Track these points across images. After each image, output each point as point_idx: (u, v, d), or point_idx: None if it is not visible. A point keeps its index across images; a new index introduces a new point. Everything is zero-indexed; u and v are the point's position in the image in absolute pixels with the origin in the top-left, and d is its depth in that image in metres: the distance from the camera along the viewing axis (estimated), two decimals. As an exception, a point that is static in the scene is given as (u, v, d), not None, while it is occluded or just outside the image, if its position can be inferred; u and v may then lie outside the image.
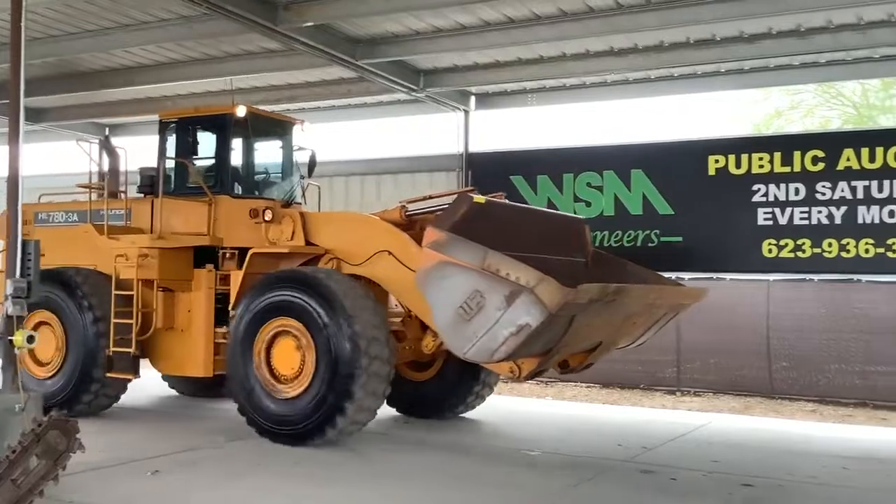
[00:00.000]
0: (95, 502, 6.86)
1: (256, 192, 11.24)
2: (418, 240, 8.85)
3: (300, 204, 11.54)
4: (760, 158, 13.38)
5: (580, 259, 10.17)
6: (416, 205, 10.04)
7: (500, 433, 10.61)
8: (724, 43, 12.69)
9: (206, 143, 11.06)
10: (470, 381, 10.87)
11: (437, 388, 10.92)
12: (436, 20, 12.35)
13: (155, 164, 11.25)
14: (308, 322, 9.05)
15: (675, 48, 13.00)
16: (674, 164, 13.97)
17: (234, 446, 9.23)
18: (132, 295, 10.36)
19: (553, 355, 8.35)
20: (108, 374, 10.44)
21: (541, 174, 14.94)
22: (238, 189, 10.99)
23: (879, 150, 12.72)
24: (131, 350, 10.33)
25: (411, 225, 9.81)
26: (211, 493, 7.31)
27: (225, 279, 10.41)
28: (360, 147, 24.28)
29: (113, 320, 10.35)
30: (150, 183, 11.10)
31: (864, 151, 12.80)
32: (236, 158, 11.01)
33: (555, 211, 10.36)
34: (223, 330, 10.12)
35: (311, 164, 11.85)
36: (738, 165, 13.52)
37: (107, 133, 12.08)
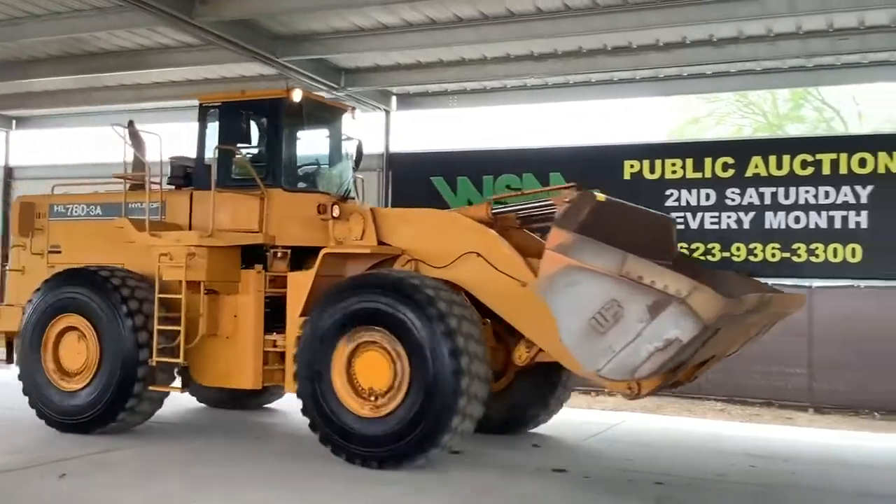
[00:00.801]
0: (-3, 507, 6.62)
1: (309, 186, 10.16)
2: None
3: (354, 199, 10.58)
4: (673, 164, 13.74)
5: (666, 261, 9.06)
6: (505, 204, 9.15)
7: (628, 455, 9.36)
8: (640, 51, 12.97)
9: (254, 130, 9.87)
10: (545, 395, 9.92)
11: (510, 402, 9.79)
12: (358, 19, 12.31)
13: (187, 154, 10.27)
14: (402, 334, 8.04)
15: (593, 54, 13.24)
16: (591, 167, 14.19)
17: (154, 446, 9.00)
18: (178, 299, 9.18)
19: (680, 371, 7.60)
20: (152, 388, 9.29)
21: (461, 175, 15.03)
22: (290, 182, 9.84)
23: (786, 158, 13.19)
24: (179, 360, 9.18)
25: (496, 224, 8.96)
26: (120, 492, 7.12)
27: (275, 281, 9.43)
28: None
29: (156, 327, 9.17)
30: (182, 174, 10.20)
31: (772, 159, 13.26)
32: (289, 148, 9.92)
33: (646, 208, 9.63)
34: (273, 337, 9.27)
35: (359, 156, 10.78)
36: (652, 171, 13.85)
37: (130, 120, 10.85)
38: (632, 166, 13.97)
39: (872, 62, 12.95)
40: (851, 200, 12.80)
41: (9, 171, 19.56)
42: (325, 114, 10.42)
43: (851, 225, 12.77)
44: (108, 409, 9.23)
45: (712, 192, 13.52)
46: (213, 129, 9.95)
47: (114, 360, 9.21)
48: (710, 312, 6.48)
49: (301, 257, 9.49)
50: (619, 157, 14.11)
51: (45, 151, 22.75)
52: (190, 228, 9.74)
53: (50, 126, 19.53)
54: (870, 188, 12.68)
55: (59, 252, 10.50)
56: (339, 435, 8.23)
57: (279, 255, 9.53)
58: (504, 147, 15.72)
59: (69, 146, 25.53)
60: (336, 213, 9.27)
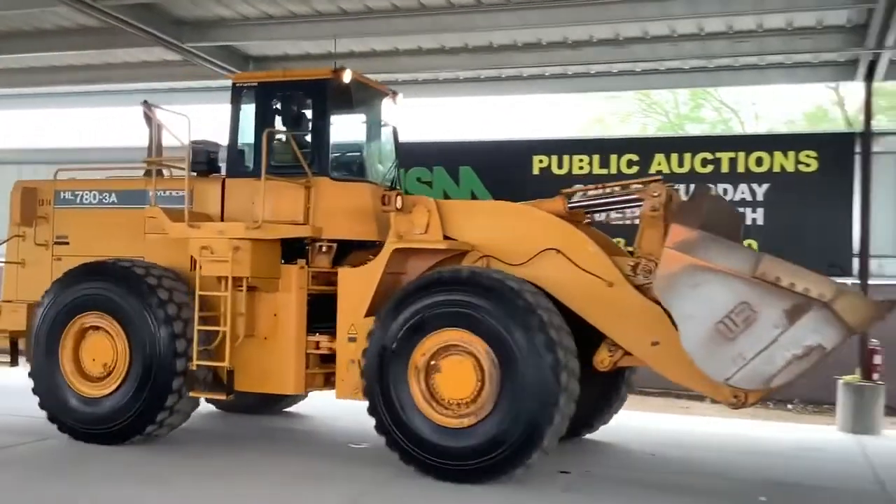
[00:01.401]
0: None
1: (355, 175, 9.40)
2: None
3: (398, 189, 9.69)
4: (581, 160, 13.99)
5: None
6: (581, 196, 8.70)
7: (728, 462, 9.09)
8: (550, 48, 13.15)
9: (297, 113, 9.15)
10: (609, 395, 9.47)
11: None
12: (268, 7, 12.10)
13: (211, 138, 9.55)
14: (492, 338, 7.42)
15: (504, 50, 13.35)
16: (501, 162, 14.33)
17: (44, 446, 8.66)
18: (217, 296, 8.50)
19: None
20: (192, 394, 8.56)
21: (371, 168, 14.93)
22: (337, 170, 9.16)
23: (688, 156, 13.58)
24: (224, 363, 8.39)
25: (572, 219, 8.44)
26: (16, 495, 6.85)
27: (317, 277, 8.78)
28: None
29: (196, 327, 8.46)
30: (206, 160, 9.35)
31: (674, 157, 13.63)
32: (336, 133, 9.14)
33: (724, 198, 8.91)
34: (315, 338, 8.67)
35: (395, 144, 10.14)
36: (560, 166, 14.07)
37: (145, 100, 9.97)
38: (541, 161, 14.16)
39: (769, 64, 13.47)
40: (749, 198, 13.26)
41: None
42: (369, 97, 9.72)
43: (748, 221, 13.22)
44: (138, 418, 8.45)
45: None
46: (247, 111, 9.23)
47: (145, 364, 8.41)
48: (858, 318, 6.09)
49: (340, 252, 8.97)
50: (528, 152, 14.27)
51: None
52: (222, 219, 9.03)
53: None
54: (766, 186, 13.16)
55: (67, 243, 9.67)
56: (426, 451, 7.58)
57: (324, 249, 8.88)
58: (415, 140, 15.67)
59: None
60: (399, 204, 8.37)
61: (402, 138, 10.27)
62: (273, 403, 10.75)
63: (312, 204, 8.79)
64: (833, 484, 8.24)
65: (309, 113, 9.14)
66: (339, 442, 9.37)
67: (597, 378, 8.61)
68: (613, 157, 13.87)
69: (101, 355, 8.74)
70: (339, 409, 10.27)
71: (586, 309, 7.89)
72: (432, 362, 7.70)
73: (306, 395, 10.49)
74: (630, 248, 8.60)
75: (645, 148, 14.00)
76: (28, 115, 23.00)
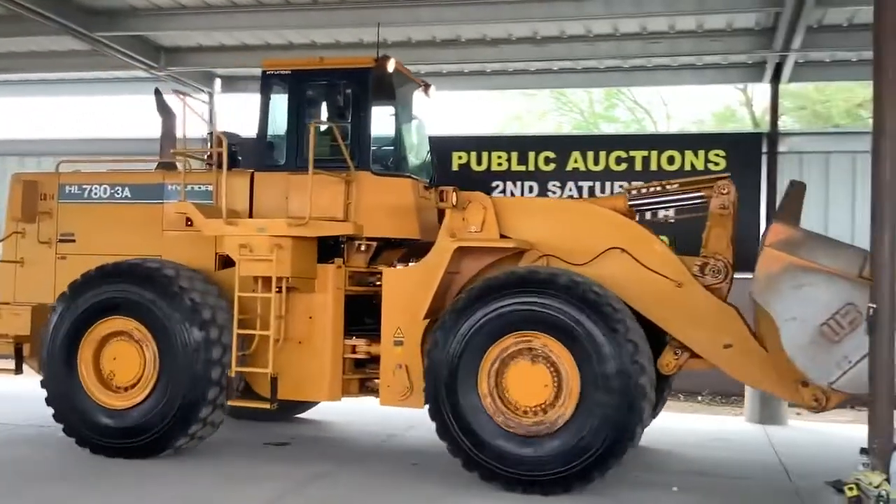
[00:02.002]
0: None
1: (395, 169, 8.80)
2: None
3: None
4: (499, 157, 14.11)
5: None
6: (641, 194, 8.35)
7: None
8: (469, 45, 13.20)
9: (335, 104, 8.58)
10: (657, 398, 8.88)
11: None
12: (180, -4, 11.83)
13: (234, 130, 9.00)
14: (572, 342, 7.02)
15: (422, 46, 13.34)
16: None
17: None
18: (261, 299, 7.96)
19: None
20: (231, 403, 8.04)
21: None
22: (378, 164, 8.65)
23: (603, 154, 13.84)
24: (268, 370, 7.83)
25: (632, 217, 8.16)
26: None
27: (352, 277, 8.32)
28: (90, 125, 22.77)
29: (236, 331, 7.90)
30: (227, 152, 8.44)
31: (590, 155, 13.88)
32: (377, 126, 8.60)
33: None
34: (352, 342, 8.22)
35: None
36: (479, 162, 14.17)
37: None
38: (460, 158, 14.23)
39: (681, 65, 13.82)
40: (660, 195, 13.57)
41: None
42: (407, 88, 9.24)
43: (661, 217, 13.50)
44: (169, 431, 7.84)
45: (535, 185, 14.00)
46: (278, 101, 8.70)
47: (177, 373, 7.80)
48: None
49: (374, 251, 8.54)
50: (447, 148, 14.26)
51: None
52: (250, 215, 8.47)
53: None
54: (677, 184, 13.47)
55: (73, 241, 8.97)
56: (493, 459, 7.12)
57: (362, 247, 8.42)
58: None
59: None
60: (454, 200, 7.87)
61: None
62: (288, 409, 9.98)
63: (353, 199, 8.32)
64: (741, 473, 8.46)
65: (348, 103, 8.53)
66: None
67: None
68: (531, 154, 14.05)
69: (125, 363, 8.09)
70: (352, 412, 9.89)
71: (653, 310, 7.57)
72: (503, 367, 7.27)
73: (317, 402, 10.02)
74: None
75: (562, 145, 14.22)
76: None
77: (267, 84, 8.76)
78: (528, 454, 7.05)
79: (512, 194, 13.97)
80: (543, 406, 7.15)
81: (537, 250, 7.91)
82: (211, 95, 15.43)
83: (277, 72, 8.71)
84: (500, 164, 14.11)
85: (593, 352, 6.95)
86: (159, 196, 8.84)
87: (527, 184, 14.01)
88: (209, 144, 8.72)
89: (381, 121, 8.73)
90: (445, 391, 7.28)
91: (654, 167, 13.63)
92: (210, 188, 8.61)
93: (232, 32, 13.05)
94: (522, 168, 14.00)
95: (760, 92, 24.74)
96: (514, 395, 7.22)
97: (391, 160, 8.86)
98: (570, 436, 6.98)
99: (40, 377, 8.40)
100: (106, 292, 8.08)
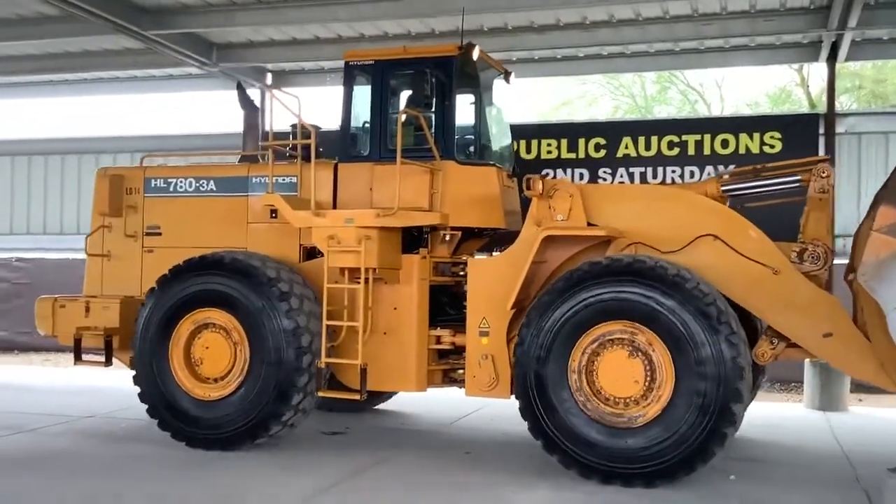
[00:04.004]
0: None
1: (479, 158, 8.76)
2: None
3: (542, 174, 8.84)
4: (549, 144, 14.01)
5: None
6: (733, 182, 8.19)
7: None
8: (516, 32, 13.12)
9: (419, 93, 8.49)
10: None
11: None
12: (230, -7, 11.98)
13: (315, 122, 8.82)
14: (669, 335, 6.87)
15: (470, 35, 13.25)
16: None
17: (17, 440, 8.52)
18: (348, 290, 8.04)
19: None
20: (321, 393, 8.09)
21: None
22: (463, 153, 8.65)
23: (654, 139, 13.65)
24: (357, 361, 7.86)
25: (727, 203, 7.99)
26: None
27: (436, 268, 8.29)
28: (150, 123, 23.23)
29: (325, 322, 7.96)
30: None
31: (641, 140, 13.70)
32: (461, 114, 8.58)
33: None
34: (437, 332, 8.21)
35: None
36: (528, 151, 14.08)
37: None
38: (508, 146, 14.15)
39: (733, 46, 13.56)
40: (715, 180, 13.37)
41: None
42: (490, 76, 9.21)
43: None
44: (263, 419, 7.91)
45: (585, 172, 13.86)
46: (361, 92, 8.70)
47: (269, 362, 7.87)
48: None
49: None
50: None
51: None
52: (334, 206, 8.56)
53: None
54: (731, 168, 13.27)
55: (159, 234, 9.17)
56: (586, 452, 7.01)
57: (447, 237, 8.37)
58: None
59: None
60: (541, 188, 7.73)
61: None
62: (369, 401, 9.94)
63: (439, 189, 8.30)
64: (801, 461, 8.34)
65: (433, 92, 8.44)
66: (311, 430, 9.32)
67: None
68: (581, 141, 13.92)
69: (216, 354, 8.18)
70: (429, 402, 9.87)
71: (750, 299, 7.38)
72: (592, 359, 7.16)
73: (396, 392, 10.08)
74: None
75: (612, 131, 14.06)
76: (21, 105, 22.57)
77: (350, 75, 8.77)
78: (625, 447, 6.93)
79: (562, 182, 13.86)
80: (636, 397, 7.02)
81: (626, 238, 7.72)
82: (262, 90, 15.61)
83: (360, 63, 8.71)
84: (549, 152, 14.00)
85: (685, 337, 6.81)
86: (244, 189, 8.97)
87: (577, 171, 13.89)
88: (293, 137, 8.82)
89: (465, 109, 8.70)
90: (535, 388, 7.18)
91: (707, 151, 13.42)
92: (294, 180, 8.69)
93: (281, 27, 13.16)
94: (572, 155, 13.88)
95: (816, 72, 24.32)
96: (605, 386, 7.10)
97: (475, 148, 8.80)
98: (664, 429, 6.84)
99: (130, 371, 8.54)
100: (195, 285, 8.19)
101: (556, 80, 27.09)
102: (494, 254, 8.25)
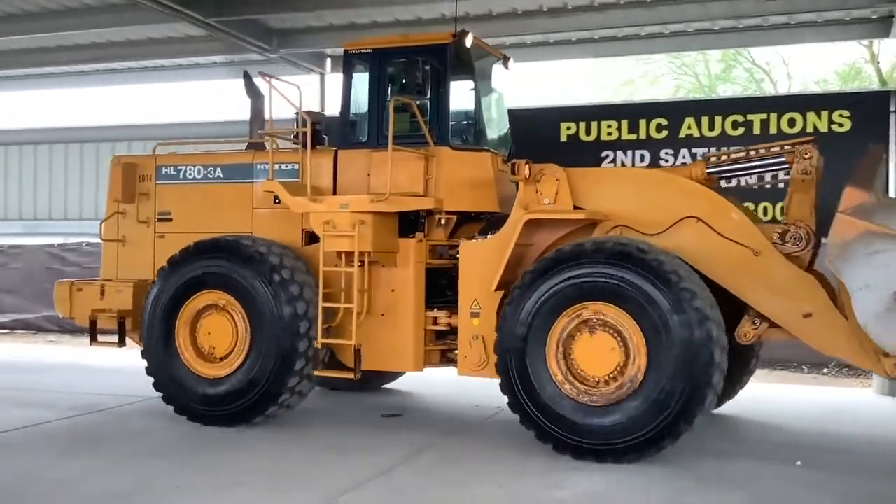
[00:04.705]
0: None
1: (474, 143, 9.02)
2: None
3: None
4: (609, 126, 13.79)
5: None
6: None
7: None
8: (576, 12, 12.94)
9: (415, 81, 8.65)
10: (741, 368, 8.87)
11: None
12: (289, -22, 12.05)
13: (318, 109, 9.46)
14: (639, 313, 7.04)
15: (529, 16, 13.17)
16: (528, 130, 14.08)
17: (84, 421, 8.78)
18: (344, 273, 8.30)
19: None
20: (318, 373, 8.37)
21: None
22: (458, 139, 8.89)
23: (718, 119, 13.33)
24: (351, 341, 8.16)
25: (708, 185, 8.07)
26: (54, 469, 6.96)
27: (433, 251, 8.56)
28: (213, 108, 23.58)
29: (322, 304, 8.26)
30: (313, 131, 8.88)
31: (705, 120, 13.40)
32: (456, 101, 8.80)
33: None
34: (433, 314, 8.45)
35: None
36: (588, 132, 13.89)
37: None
38: (568, 128, 13.98)
39: (800, 23, 13.17)
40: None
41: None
42: (486, 62, 9.38)
43: (781, 184, 13.00)
44: (260, 399, 8.21)
45: (647, 154, 13.61)
46: (360, 80, 8.95)
47: (268, 345, 8.16)
48: None
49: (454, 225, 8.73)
50: (556, 119, 14.10)
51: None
52: (334, 192, 8.82)
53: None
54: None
55: (170, 219, 9.50)
56: (561, 428, 7.24)
57: (442, 221, 8.59)
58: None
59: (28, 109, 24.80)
60: (526, 173, 7.93)
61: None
62: (375, 380, 10.42)
63: (433, 175, 8.51)
64: (870, 447, 8.15)
65: (427, 79, 8.64)
66: (367, 414, 9.38)
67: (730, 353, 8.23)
68: (642, 122, 13.65)
69: (220, 335, 8.51)
70: (438, 383, 10.03)
71: (731, 280, 7.49)
72: (571, 337, 7.36)
73: (404, 372, 10.27)
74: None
75: (674, 111, 13.76)
76: (81, 94, 23.16)
77: (349, 63, 9.01)
78: (598, 423, 7.13)
79: (622, 164, 13.68)
80: (613, 375, 7.20)
81: (611, 221, 7.88)
82: (322, 76, 15.70)
83: (358, 51, 8.94)
84: (609, 134, 13.78)
85: (658, 323, 6.95)
86: (249, 175, 9.23)
87: (638, 153, 13.66)
88: (296, 125, 9.06)
89: (460, 96, 8.87)
90: (515, 366, 7.40)
91: (773, 130, 13.04)
92: (296, 167, 8.92)
93: (340, 11, 13.20)
94: (633, 136, 13.64)
95: (887, 48, 23.51)
96: (583, 366, 7.30)
97: (470, 134, 9.03)
98: (638, 406, 7.02)
99: (140, 348, 8.89)
100: (201, 267, 8.49)
101: (618, 60, 26.73)
102: (489, 237, 8.36)
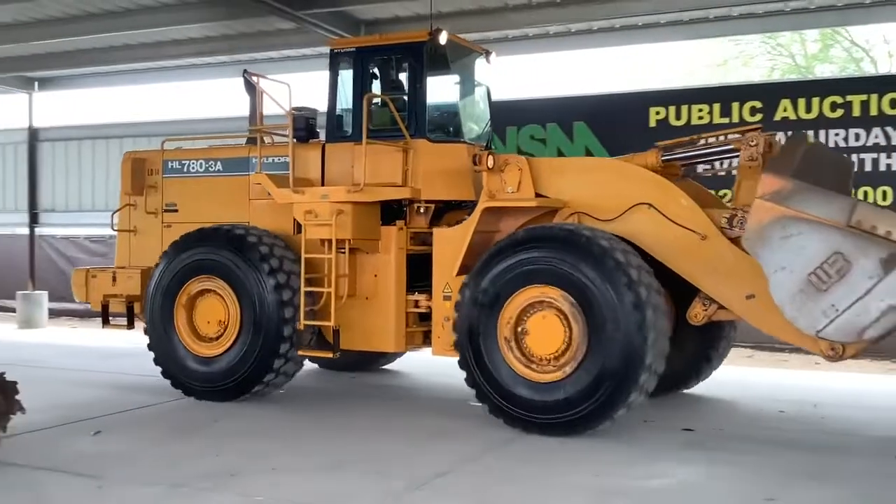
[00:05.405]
0: (39, 465, 6.72)
1: (452, 136, 9.62)
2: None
3: (493, 149, 9.73)
4: (700, 110, 13.51)
5: None
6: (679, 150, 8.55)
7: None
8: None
9: (394, 77, 9.40)
10: (708, 351, 9.37)
11: (673, 360, 8.20)
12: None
13: (309, 105, 9.96)
14: (580, 295, 7.48)
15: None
16: (616, 116, 14.00)
17: (179, 405, 9.11)
18: (321, 259, 8.87)
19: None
20: (301, 353, 9.01)
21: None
22: (434, 132, 9.35)
23: (815, 101, 12.92)
24: (329, 323, 8.74)
25: (666, 172, 8.37)
26: (156, 449, 7.25)
27: (414, 238, 9.07)
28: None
29: (303, 288, 8.82)
30: (304, 126, 9.63)
31: (801, 102, 13.00)
32: (432, 95, 9.25)
33: (826, 145, 9.03)
34: (414, 297, 8.94)
35: (489, 103, 10.25)
36: (678, 117, 13.63)
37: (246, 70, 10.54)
38: (657, 113, 13.75)
39: (903, -2, 12.62)
40: (882, 142, 12.54)
41: (34, 133, 19.74)
42: (465, 57, 9.81)
43: (882, 167, 12.53)
44: (247, 378, 8.91)
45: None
46: (345, 77, 9.48)
47: (255, 328, 8.83)
48: None
49: (437, 213, 9.21)
50: (644, 104, 13.89)
51: (71, 112, 22.94)
52: (322, 184, 9.35)
53: (73, 87, 19.48)
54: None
55: (176, 210, 10.21)
56: (511, 403, 7.76)
57: (422, 210, 9.11)
58: (527, 97, 15.53)
59: (94, 106, 25.65)
60: (490, 163, 8.38)
61: (515, 96, 10.23)
62: (373, 361, 11.20)
63: (411, 166, 8.98)
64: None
65: (406, 76, 9.29)
66: (455, 399, 9.44)
67: (695, 333, 8.75)
68: (735, 105, 13.34)
69: (214, 317, 9.21)
70: (434, 366, 10.23)
71: (679, 263, 7.89)
72: (521, 318, 7.84)
73: (404, 353, 10.42)
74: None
75: (769, 94, 13.39)
76: (134, 91, 23.90)
77: (335, 61, 9.53)
78: (543, 399, 7.59)
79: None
80: (556, 355, 7.67)
81: (569, 208, 8.33)
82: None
83: (343, 49, 9.49)
84: (700, 118, 13.48)
85: (597, 304, 7.39)
86: (246, 168, 9.81)
87: (731, 137, 13.34)
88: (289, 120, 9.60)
89: (437, 91, 9.36)
90: (469, 343, 7.94)
91: (873, 112, 12.60)
92: (288, 160, 9.30)
93: (425, 1, 13.23)
94: (726, 120, 13.31)
95: None
96: (531, 345, 7.79)
97: (446, 127, 9.62)
98: (578, 384, 7.47)
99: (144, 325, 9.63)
100: (198, 255, 9.18)
101: (709, 40, 26.06)
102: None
